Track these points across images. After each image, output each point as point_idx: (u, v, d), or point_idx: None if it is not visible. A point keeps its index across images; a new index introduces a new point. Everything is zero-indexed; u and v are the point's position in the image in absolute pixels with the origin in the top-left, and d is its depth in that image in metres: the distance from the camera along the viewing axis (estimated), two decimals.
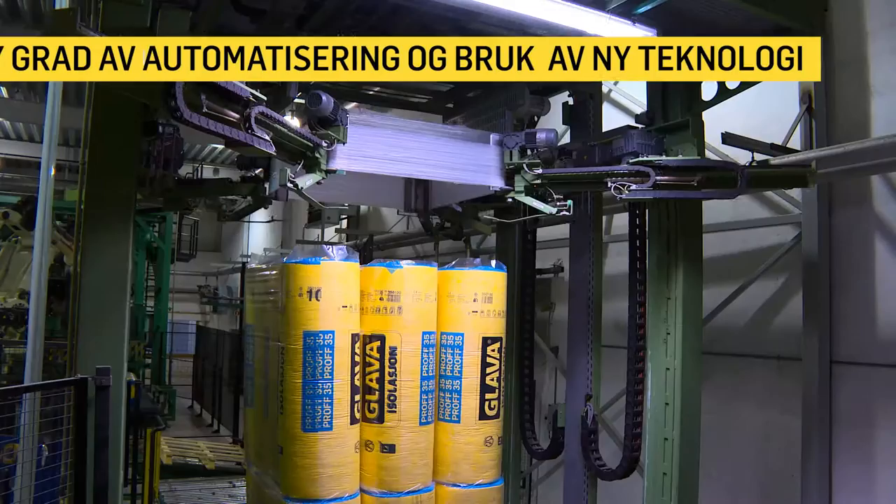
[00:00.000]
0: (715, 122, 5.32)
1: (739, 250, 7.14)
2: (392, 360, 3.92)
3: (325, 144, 3.67)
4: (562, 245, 8.42)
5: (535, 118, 5.79)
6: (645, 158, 4.17)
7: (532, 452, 5.73)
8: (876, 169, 5.58)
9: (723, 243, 7.17)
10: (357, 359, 3.87)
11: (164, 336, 16.79)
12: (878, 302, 5.94)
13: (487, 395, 4.16)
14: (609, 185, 4.19)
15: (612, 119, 7.43)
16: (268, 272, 4.19)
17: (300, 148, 3.64)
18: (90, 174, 3.48)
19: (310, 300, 3.72)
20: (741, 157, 6.34)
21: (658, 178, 4.13)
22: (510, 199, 4.37)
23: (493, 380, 4.17)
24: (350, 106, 16.62)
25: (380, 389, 3.92)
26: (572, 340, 5.54)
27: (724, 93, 4.77)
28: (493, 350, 4.19)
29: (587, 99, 5.57)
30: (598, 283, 5.46)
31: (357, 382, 3.87)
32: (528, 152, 4.29)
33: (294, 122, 13.69)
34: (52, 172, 4.82)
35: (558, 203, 4.31)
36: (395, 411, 3.93)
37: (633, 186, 4.09)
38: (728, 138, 5.86)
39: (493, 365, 4.18)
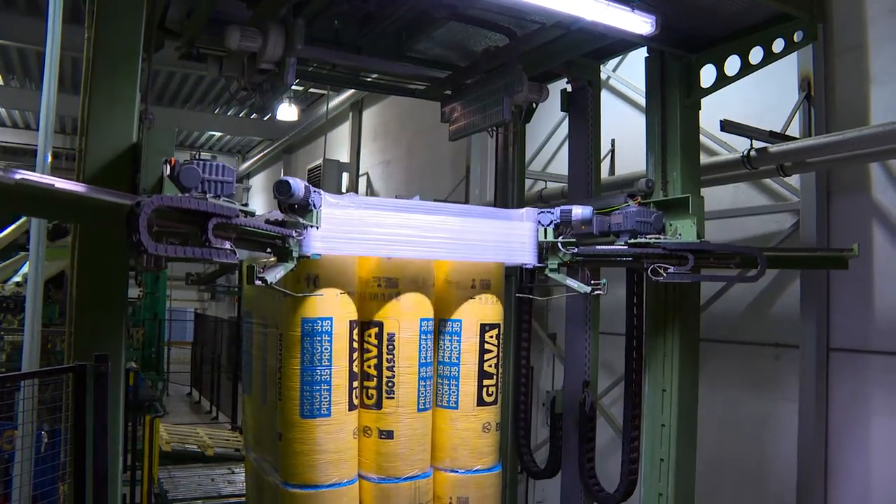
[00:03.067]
0: (713, 109, 5.31)
1: (738, 237, 7.14)
2: (390, 347, 3.91)
3: (295, 234, 3.48)
4: None
5: (534, 105, 5.78)
6: (685, 241, 4.11)
7: (530, 473, 5.69)
8: (875, 157, 5.58)
9: (722, 230, 7.17)
10: (355, 345, 3.87)
11: (161, 323, 16.79)
12: (875, 290, 5.94)
13: (485, 382, 4.16)
14: (646, 265, 4.18)
15: (610, 107, 7.42)
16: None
17: (268, 241, 3.50)
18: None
19: (308, 287, 3.72)
20: (739, 144, 6.34)
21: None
22: (544, 277, 4.34)
23: (490, 366, 4.17)
24: (348, 93, 16.50)
25: (378, 376, 3.92)
26: (570, 327, 5.54)
27: (722, 79, 4.76)
28: (491, 337, 4.18)
29: (586, 86, 5.55)
30: (596, 269, 5.46)
31: (355, 369, 3.87)
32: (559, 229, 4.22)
33: (292, 109, 13.62)
34: (49, 160, 4.80)
35: (593, 283, 4.32)
36: (393, 398, 3.93)
37: (672, 269, 4.06)
38: (726, 126, 5.85)
39: (491, 351, 4.18)
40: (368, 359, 3.91)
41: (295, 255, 3.49)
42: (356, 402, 3.87)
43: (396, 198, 12.65)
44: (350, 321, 3.84)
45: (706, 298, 6.87)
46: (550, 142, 9.72)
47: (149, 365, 15.88)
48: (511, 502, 5.57)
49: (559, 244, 4.19)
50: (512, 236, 4.21)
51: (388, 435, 3.93)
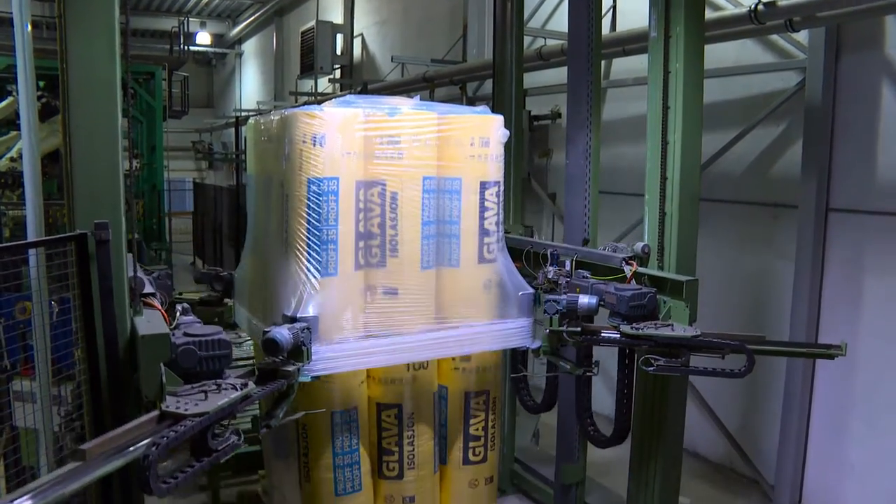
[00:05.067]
0: None
1: (741, 95, 7.02)
2: (393, 206, 3.92)
3: (288, 380, 3.49)
4: (559, 91, 8.28)
5: None
6: (677, 335, 4.01)
7: (526, 407, 5.79)
8: (893, 9, 5.36)
9: (724, 88, 7.04)
10: (361, 205, 3.88)
11: (161, 194, 16.77)
12: (879, 150, 5.90)
13: (486, 239, 4.19)
14: (637, 354, 4.22)
15: None
16: (271, 122, 4.14)
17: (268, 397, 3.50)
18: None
19: (314, 147, 3.69)
20: None
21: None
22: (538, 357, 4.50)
23: (491, 224, 4.19)
24: None
25: (381, 234, 3.94)
26: (570, 186, 5.53)
27: None
28: (491, 194, 4.18)
29: None
30: (596, 129, 5.39)
31: (361, 229, 3.89)
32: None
33: None
34: (29, 29, 4.58)
35: (585, 364, 4.52)
36: (396, 256, 3.96)
37: (662, 361, 4.00)
38: None
39: (491, 209, 4.19)
40: (371, 218, 3.92)
41: (295, 387, 3.55)
42: (362, 261, 3.92)
43: (392, 60, 12.40)
44: (356, 181, 3.83)
45: (707, 157, 6.83)
46: None
47: (150, 236, 16.00)
48: (513, 362, 5.75)
49: (564, 334, 4.25)
50: (509, 328, 4.35)
51: (393, 292, 4.00)
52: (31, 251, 3.40)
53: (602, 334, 4.18)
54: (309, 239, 3.71)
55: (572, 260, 4.71)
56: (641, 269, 4.55)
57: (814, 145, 6.20)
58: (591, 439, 4.88)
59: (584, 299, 4.17)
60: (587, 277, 4.54)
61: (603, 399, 4.82)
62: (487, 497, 4.66)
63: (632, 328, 4.02)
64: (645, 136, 4.77)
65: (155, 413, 2.85)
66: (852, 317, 6.14)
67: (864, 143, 5.98)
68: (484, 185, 4.15)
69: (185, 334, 3.24)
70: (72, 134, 3.30)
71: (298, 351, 3.51)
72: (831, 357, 3.99)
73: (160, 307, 3.69)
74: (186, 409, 2.82)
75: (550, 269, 4.60)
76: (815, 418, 6.48)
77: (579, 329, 4.21)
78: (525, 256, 5.00)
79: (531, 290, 4.38)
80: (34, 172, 3.70)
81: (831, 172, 6.21)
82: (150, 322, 3.41)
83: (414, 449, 4.41)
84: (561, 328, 4.23)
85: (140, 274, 3.83)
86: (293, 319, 3.63)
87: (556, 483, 6.03)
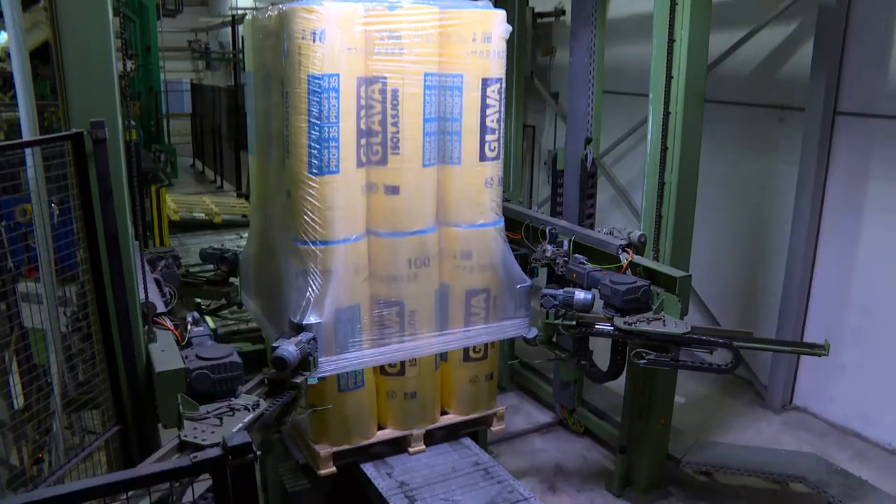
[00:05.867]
0: None
1: None
2: (394, 103, 3.86)
3: (294, 391, 3.62)
4: None
5: None
6: (668, 332, 4.12)
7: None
8: None
9: None
10: (362, 102, 3.82)
11: (158, 96, 16.49)
12: (894, 52, 5.74)
13: (487, 137, 4.15)
14: (630, 349, 4.41)
15: None
16: (269, 18, 4.03)
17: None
18: None
19: (313, 43, 3.60)
20: None
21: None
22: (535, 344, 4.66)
23: (492, 121, 4.14)
24: None
25: (382, 132, 3.89)
26: (573, 85, 5.44)
27: None
28: (493, 91, 4.11)
29: None
30: (601, 26, 5.25)
31: (362, 126, 3.84)
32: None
33: None
34: None
35: (580, 353, 4.69)
36: (398, 154, 3.93)
37: (653, 356, 4.17)
38: None
39: (493, 107, 4.13)
40: (372, 115, 3.87)
41: (304, 393, 3.75)
42: (363, 158, 3.89)
43: None
44: (357, 77, 3.76)
45: (714, 57, 6.68)
46: None
47: (149, 138, 15.83)
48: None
49: (560, 327, 4.42)
50: (506, 323, 4.46)
51: (394, 190, 3.98)
52: (28, 152, 3.35)
53: (596, 326, 4.39)
54: (310, 137, 3.67)
55: (570, 240, 4.82)
56: (637, 259, 4.64)
57: (825, 46, 6.05)
58: (588, 375, 5.03)
59: (580, 295, 4.31)
60: (584, 264, 4.67)
61: None
62: (487, 393, 4.78)
63: (625, 322, 4.19)
64: (651, 34, 4.65)
65: (175, 442, 3.04)
66: (854, 222, 6.15)
67: (877, 45, 5.83)
68: (486, 82, 4.07)
69: (199, 357, 3.40)
70: (61, 31, 3.20)
71: (305, 362, 3.69)
72: (816, 355, 4.21)
73: (171, 327, 3.77)
74: (204, 440, 3.00)
75: (549, 247, 4.78)
76: (810, 322, 6.58)
77: (574, 323, 4.40)
78: (524, 230, 5.12)
79: (528, 282, 4.47)
80: (24, 70, 3.61)
81: (841, 75, 6.08)
82: (164, 351, 3.50)
83: None
84: (556, 321, 4.43)
85: (149, 273, 3.92)
86: (300, 328, 3.74)
87: (554, 381, 6.19)
